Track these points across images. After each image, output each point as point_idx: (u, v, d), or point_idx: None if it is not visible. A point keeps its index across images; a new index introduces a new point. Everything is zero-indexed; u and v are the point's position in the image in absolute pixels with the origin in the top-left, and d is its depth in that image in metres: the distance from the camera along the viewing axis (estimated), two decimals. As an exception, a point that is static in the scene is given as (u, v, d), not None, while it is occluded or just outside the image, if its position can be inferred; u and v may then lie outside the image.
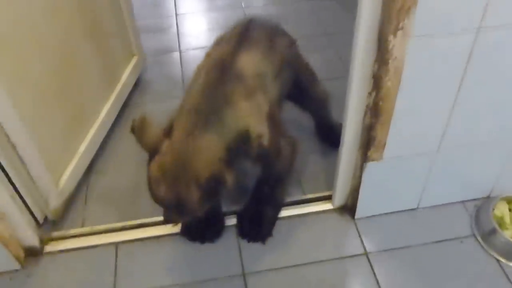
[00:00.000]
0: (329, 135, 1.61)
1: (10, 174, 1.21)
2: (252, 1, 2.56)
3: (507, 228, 1.32)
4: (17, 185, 1.24)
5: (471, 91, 1.13)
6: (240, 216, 1.41)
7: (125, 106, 1.83)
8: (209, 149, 1.05)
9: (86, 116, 1.57)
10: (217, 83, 1.13)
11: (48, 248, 1.36)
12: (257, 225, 1.37)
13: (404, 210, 1.42)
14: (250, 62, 1.20)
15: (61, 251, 1.36)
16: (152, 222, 1.42)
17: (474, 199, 1.43)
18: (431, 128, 1.21)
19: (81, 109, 1.53)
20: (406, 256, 1.32)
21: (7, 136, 1.17)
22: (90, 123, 1.59)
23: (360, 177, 1.30)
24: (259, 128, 1.13)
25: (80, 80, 1.51)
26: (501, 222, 1.33)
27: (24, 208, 1.29)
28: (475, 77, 1.10)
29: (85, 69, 1.54)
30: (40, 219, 1.38)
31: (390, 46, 1.02)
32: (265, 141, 1.15)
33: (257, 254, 1.34)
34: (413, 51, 1.03)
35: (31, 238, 1.31)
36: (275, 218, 1.41)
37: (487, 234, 1.33)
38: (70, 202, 1.48)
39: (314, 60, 1.54)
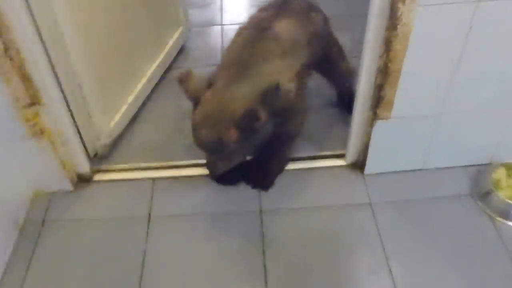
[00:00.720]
0: (347, 103, 1.72)
1: (73, 111, 1.44)
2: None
3: (502, 189, 1.45)
4: (77, 121, 1.48)
5: (472, 59, 1.26)
6: (248, 165, 1.54)
7: (169, 69, 2.05)
8: (244, 96, 1.24)
9: (136, 72, 1.80)
10: (255, 41, 1.32)
11: (96, 177, 1.60)
12: (262, 175, 1.55)
13: (410, 170, 1.57)
14: (286, 27, 1.38)
15: (107, 181, 1.60)
16: (184, 164, 1.63)
17: (476, 165, 1.56)
18: (434, 92, 1.34)
19: (132, 65, 1.76)
20: (407, 208, 1.47)
21: (75, 76, 1.40)
22: (138, 79, 1.82)
23: (370, 134, 1.45)
24: (288, 84, 1.31)
25: (133, 39, 1.73)
26: (497, 184, 1.46)
27: (81, 140, 1.52)
28: (475, 46, 1.23)
29: (138, 31, 1.76)
30: (91, 154, 1.61)
31: (399, 13, 1.17)
32: (292, 96, 1.32)
33: (274, 196, 1.53)
34: (419, 18, 1.17)
35: (84, 166, 1.55)
36: (278, 171, 1.57)
37: (484, 194, 1.46)
38: (117, 143, 1.71)
39: (343, 38, 1.69)
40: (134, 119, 1.83)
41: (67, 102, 1.40)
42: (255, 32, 1.35)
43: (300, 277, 1.31)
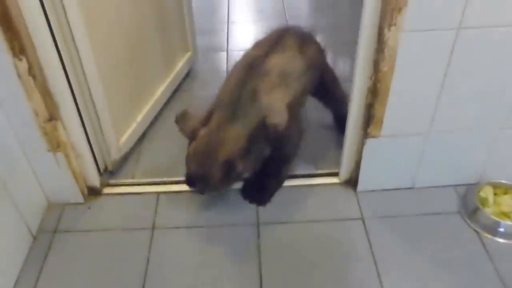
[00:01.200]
0: (342, 125, 1.82)
1: (87, 126, 1.56)
2: (295, 12, 2.88)
3: (489, 207, 1.52)
4: (90, 137, 1.59)
5: (455, 80, 1.36)
6: (246, 181, 1.65)
7: (177, 90, 2.18)
8: (233, 139, 1.38)
9: (146, 92, 1.93)
10: (244, 81, 1.42)
11: (106, 190, 1.71)
12: (260, 192, 1.63)
13: (401, 188, 1.65)
14: (277, 62, 1.48)
15: (115, 194, 1.70)
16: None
17: (465, 184, 1.64)
18: (421, 110, 1.44)
19: (143, 86, 1.89)
20: (397, 224, 1.55)
21: (90, 94, 1.53)
22: (147, 99, 1.95)
23: (362, 152, 1.55)
24: (277, 117, 1.43)
25: (145, 62, 1.86)
26: (484, 202, 1.53)
27: (92, 155, 1.63)
28: (457, 68, 1.34)
29: (150, 54, 1.89)
30: (102, 168, 1.72)
31: (386, 38, 1.28)
32: (281, 128, 1.43)
33: (271, 210, 1.62)
34: (404, 42, 1.28)
35: (94, 179, 1.66)
36: (276, 189, 1.66)
37: (472, 211, 1.53)
38: (125, 159, 1.82)
39: (345, 64, 1.81)
40: (142, 137, 1.94)
41: (81, 118, 1.52)
42: (245, 71, 1.45)
43: (295, 285, 1.38)
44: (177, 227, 1.58)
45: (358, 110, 1.48)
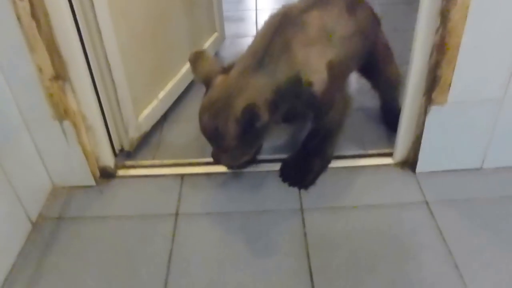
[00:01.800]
0: (390, 118, 1.58)
1: (101, 94, 1.35)
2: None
3: None
4: (104, 107, 1.38)
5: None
6: (285, 161, 1.44)
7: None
8: (256, 87, 1.13)
9: (169, 70, 1.71)
10: (278, 30, 1.19)
11: (121, 172, 1.48)
12: (302, 172, 1.39)
13: (467, 169, 1.39)
14: (320, 16, 1.26)
15: (132, 177, 1.47)
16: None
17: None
18: (496, 70, 1.19)
19: (166, 62, 1.68)
20: (469, 208, 1.28)
21: (106, 56, 1.32)
22: (170, 77, 1.73)
23: (423, 124, 1.30)
24: (312, 76, 1.19)
25: (168, 37, 1.66)
26: None
27: (106, 129, 1.41)
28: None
29: (174, 29, 1.69)
30: (117, 148, 1.50)
31: (459, -24, 1.05)
32: (318, 89, 1.20)
33: (315, 194, 1.37)
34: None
35: (108, 158, 1.43)
36: (320, 170, 1.42)
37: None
38: (144, 141, 1.60)
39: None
40: (164, 118, 1.72)
41: (94, 83, 1.31)
42: (280, 20, 1.22)
43: (353, 281, 1.12)
44: (207, 213, 1.33)
45: (420, 72, 1.24)
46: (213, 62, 1.24)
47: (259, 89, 1.13)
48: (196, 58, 1.21)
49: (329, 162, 1.44)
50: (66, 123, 1.27)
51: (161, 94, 1.67)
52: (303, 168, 1.40)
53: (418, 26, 1.18)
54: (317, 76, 1.20)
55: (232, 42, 2.29)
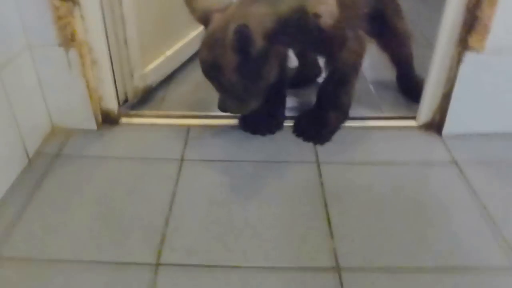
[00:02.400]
0: (410, 88, 1.51)
1: (109, 27, 1.26)
2: None
3: None
4: (111, 42, 1.28)
5: None
6: (299, 116, 1.35)
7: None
8: (253, 15, 1.05)
9: (178, 30, 1.63)
10: None
11: (124, 120, 1.37)
12: (317, 126, 1.30)
13: (500, 133, 1.29)
14: None
15: (136, 125, 1.36)
16: (227, 116, 1.39)
17: None
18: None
19: (174, 20, 1.59)
20: (503, 169, 1.18)
21: (120, 0, 1.25)
22: (178, 37, 1.65)
23: (455, 78, 1.21)
24: (319, 8, 1.10)
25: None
26: None
27: (112, 68, 1.31)
28: None
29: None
30: (121, 93, 1.40)
31: None
32: (326, 22, 1.11)
33: (332, 149, 1.26)
34: None
35: (111, 102, 1.33)
36: (337, 124, 1.33)
37: None
38: (149, 97, 1.50)
39: None
40: (170, 79, 1.63)
41: (103, 15, 1.22)
42: None
43: (375, 228, 1.00)
44: (214, 160, 1.22)
45: (456, 13, 1.15)
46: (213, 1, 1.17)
47: (257, 17, 1.06)
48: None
49: (345, 116, 1.34)
50: (72, 52, 1.17)
51: (168, 52, 1.59)
52: (318, 121, 1.30)
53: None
54: (324, 8, 1.11)
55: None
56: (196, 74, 1.69)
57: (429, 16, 1.23)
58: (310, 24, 1.10)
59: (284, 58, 1.32)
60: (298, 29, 1.10)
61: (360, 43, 1.24)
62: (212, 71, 1.11)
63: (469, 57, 1.17)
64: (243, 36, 1.02)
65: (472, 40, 1.15)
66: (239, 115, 1.35)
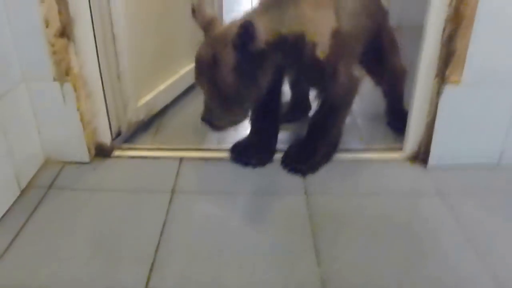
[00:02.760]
0: (399, 121, 1.51)
1: (103, 62, 1.30)
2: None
3: None
4: (105, 77, 1.32)
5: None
6: (288, 149, 1.37)
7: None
8: (258, 23, 1.07)
9: (170, 65, 1.69)
10: None
11: (117, 153, 1.40)
12: (305, 157, 1.31)
13: (483, 164, 1.33)
14: None
15: (129, 157, 1.39)
16: (216, 148, 1.44)
17: None
18: (514, 47, 1.17)
19: (167, 56, 1.65)
20: (486, 200, 1.21)
21: (112, 26, 1.30)
22: (171, 72, 1.70)
23: (436, 110, 1.26)
24: (317, 38, 1.15)
25: (171, 31, 1.64)
26: None
27: (105, 102, 1.35)
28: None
29: (177, 26, 1.67)
30: (114, 127, 1.42)
31: None
32: (321, 53, 1.16)
33: (320, 181, 1.29)
34: None
35: (105, 134, 1.36)
36: (325, 156, 1.34)
37: None
38: (142, 130, 1.54)
39: None
40: (163, 112, 1.67)
41: (97, 50, 1.27)
42: None
43: (362, 256, 1.02)
44: (205, 192, 1.25)
45: (433, 48, 1.21)
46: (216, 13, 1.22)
47: (261, 24, 1.08)
48: (197, 7, 1.17)
49: (335, 148, 1.37)
50: (67, 86, 1.21)
51: (162, 86, 1.63)
52: (306, 152, 1.33)
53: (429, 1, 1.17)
54: (321, 39, 1.16)
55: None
56: (189, 107, 1.74)
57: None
58: (306, 50, 1.15)
59: (279, 81, 1.34)
60: (294, 50, 1.14)
61: (352, 81, 1.27)
62: (208, 68, 1.10)
63: (448, 89, 1.22)
64: (248, 31, 1.03)
65: (449, 73, 1.20)
66: (230, 147, 1.38)
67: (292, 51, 1.14)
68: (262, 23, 1.10)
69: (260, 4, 1.18)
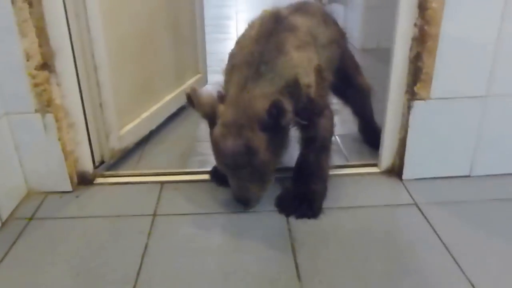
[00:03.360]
0: (372, 137, 1.58)
1: (85, 92, 1.34)
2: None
3: None
4: (87, 107, 1.36)
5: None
6: (283, 196, 1.31)
7: (186, 108, 1.97)
8: (264, 94, 1.11)
9: (153, 93, 1.73)
10: (270, 33, 1.18)
11: (100, 180, 1.42)
12: (308, 202, 1.25)
13: (456, 177, 1.37)
14: (304, 21, 1.27)
15: (111, 184, 1.41)
16: (197, 171, 1.47)
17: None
18: (478, 62, 1.23)
19: (150, 85, 1.70)
20: (461, 210, 1.25)
21: (93, 58, 1.34)
22: (154, 101, 1.75)
23: (407, 124, 1.31)
24: (307, 78, 1.19)
25: (154, 61, 1.71)
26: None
27: (87, 131, 1.38)
28: (515, 7, 1.17)
29: (160, 57, 1.74)
30: (97, 156, 1.45)
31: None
32: (312, 92, 1.20)
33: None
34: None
35: (87, 163, 1.38)
36: (323, 190, 1.30)
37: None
38: (125, 158, 1.56)
39: None
40: (146, 141, 1.70)
41: (79, 81, 1.31)
42: (269, 23, 1.20)
43: (343, 272, 1.04)
44: (186, 213, 1.27)
45: (402, 66, 1.27)
46: (208, 94, 1.19)
47: (267, 96, 1.10)
48: (194, 96, 1.17)
49: (328, 181, 1.32)
50: (48, 116, 1.24)
51: (145, 114, 1.67)
52: (307, 197, 1.26)
53: (398, 17, 1.23)
54: (311, 79, 1.19)
55: (215, 89, 2.33)
56: (172, 134, 1.77)
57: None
58: (303, 93, 1.17)
59: None
60: (296, 98, 1.16)
61: (332, 113, 1.30)
62: (243, 158, 1.10)
63: (417, 105, 1.27)
64: (280, 110, 1.06)
65: (418, 89, 1.25)
66: (212, 169, 1.40)
67: (293, 99, 1.15)
68: (263, 91, 1.11)
69: (244, 67, 1.15)
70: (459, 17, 1.18)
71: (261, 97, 1.10)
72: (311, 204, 1.25)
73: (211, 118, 1.15)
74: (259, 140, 1.08)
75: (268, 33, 1.18)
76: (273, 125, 1.08)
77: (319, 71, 1.23)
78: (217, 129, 1.12)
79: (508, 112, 1.29)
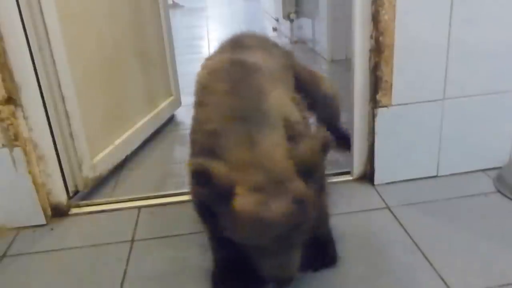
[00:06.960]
0: (341, 141, 1.54)
1: (53, 124, 1.34)
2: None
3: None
4: (57, 138, 1.35)
5: (462, 30, 1.24)
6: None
7: (160, 133, 1.99)
8: (277, 144, 0.94)
9: (125, 119, 1.74)
10: (243, 80, 1.04)
11: (74, 210, 1.41)
12: (323, 253, 1.11)
13: (424, 178, 1.41)
14: (258, 57, 1.18)
15: (87, 213, 1.40)
16: (173, 193, 1.47)
17: (496, 168, 1.41)
18: (432, 68, 1.28)
19: (121, 110, 1.71)
20: (430, 209, 1.29)
21: (60, 88, 1.34)
22: (126, 126, 1.75)
23: (374, 131, 1.34)
24: (294, 115, 1.06)
25: (124, 87, 1.73)
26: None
27: (59, 162, 1.37)
28: (462, 13, 1.23)
29: (130, 81, 1.77)
30: (70, 185, 1.44)
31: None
32: (301, 129, 1.05)
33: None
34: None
35: (60, 195, 1.37)
36: (331, 233, 1.17)
37: (514, 186, 1.29)
38: (99, 185, 1.56)
39: None
40: (121, 166, 1.70)
41: (47, 112, 1.31)
42: (235, 72, 1.06)
43: (318, 277, 1.06)
44: (164, 236, 1.27)
45: (363, 76, 1.32)
46: (218, 165, 0.89)
47: (279, 143, 0.94)
48: (205, 170, 0.86)
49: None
50: (17, 150, 1.24)
51: (118, 141, 1.67)
52: (320, 248, 1.11)
53: (354, 31, 1.27)
54: (299, 113, 1.10)
55: (188, 109, 2.34)
56: (147, 159, 1.78)
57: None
58: (297, 136, 1.01)
59: None
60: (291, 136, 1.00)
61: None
62: (298, 218, 0.86)
63: (381, 112, 1.31)
64: (327, 146, 0.93)
65: (380, 97, 1.29)
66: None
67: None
68: (276, 135, 0.95)
69: (238, 124, 0.95)
70: (409, 26, 1.23)
71: (276, 145, 0.93)
72: (328, 254, 1.12)
73: (225, 195, 0.87)
74: (304, 188, 0.88)
75: (241, 80, 1.04)
76: (314, 167, 0.92)
77: (298, 104, 1.14)
78: (246, 200, 0.85)
79: (464, 112, 1.34)
